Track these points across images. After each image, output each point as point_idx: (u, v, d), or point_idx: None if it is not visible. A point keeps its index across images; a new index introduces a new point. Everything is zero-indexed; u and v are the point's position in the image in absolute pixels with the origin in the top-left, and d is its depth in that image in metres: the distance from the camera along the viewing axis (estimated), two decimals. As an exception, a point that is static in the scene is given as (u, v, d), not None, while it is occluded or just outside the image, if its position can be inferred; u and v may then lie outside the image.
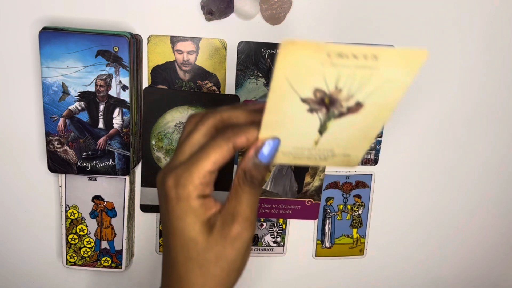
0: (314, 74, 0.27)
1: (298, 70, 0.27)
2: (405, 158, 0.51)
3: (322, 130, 0.31)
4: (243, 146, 0.32)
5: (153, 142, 0.47)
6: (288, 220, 0.51)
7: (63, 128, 0.44)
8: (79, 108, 0.44)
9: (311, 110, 0.30)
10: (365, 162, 0.50)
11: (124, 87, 0.43)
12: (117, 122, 0.44)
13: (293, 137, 0.32)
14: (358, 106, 0.29)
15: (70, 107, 0.44)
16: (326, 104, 0.29)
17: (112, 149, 0.45)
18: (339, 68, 0.27)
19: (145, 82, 0.46)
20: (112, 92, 0.43)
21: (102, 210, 0.48)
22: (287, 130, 0.31)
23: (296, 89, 0.28)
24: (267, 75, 0.46)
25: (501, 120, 0.51)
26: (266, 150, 0.32)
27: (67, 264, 0.49)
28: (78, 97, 0.43)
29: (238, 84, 0.46)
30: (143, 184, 0.48)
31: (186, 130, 0.34)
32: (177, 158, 0.33)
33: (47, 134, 0.44)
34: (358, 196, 0.52)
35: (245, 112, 0.32)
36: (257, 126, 0.31)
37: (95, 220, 0.48)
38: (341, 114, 0.30)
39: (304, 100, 0.29)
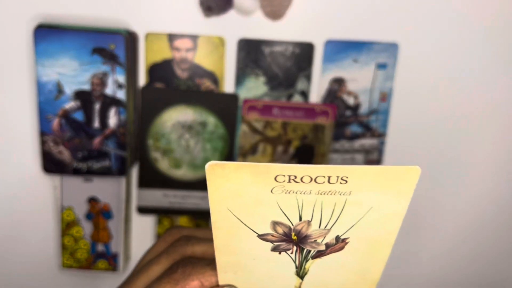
0: (265, 204, 0.20)
1: (242, 200, 0.20)
2: (409, 158, 0.50)
3: (300, 273, 0.24)
4: None
5: (150, 142, 0.46)
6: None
7: (58, 127, 0.43)
8: (75, 107, 0.43)
9: (277, 249, 0.22)
10: (368, 162, 0.49)
11: (120, 86, 0.42)
12: (113, 121, 0.43)
13: (263, 282, 0.24)
14: (341, 242, 0.22)
15: (65, 106, 0.43)
16: (295, 241, 0.22)
17: (108, 149, 0.44)
18: (297, 195, 0.20)
19: (142, 81, 0.45)
20: (108, 91, 0.42)
21: (98, 212, 0.47)
22: (253, 273, 0.24)
23: (248, 224, 0.21)
24: (267, 73, 0.45)
25: (507, 120, 0.50)
26: None
27: (62, 266, 0.48)
28: (74, 96, 0.42)
29: (238, 82, 0.45)
30: (140, 185, 0.47)
31: (154, 250, 0.28)
32: None
33: (42, 133, 0.43)
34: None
35: None
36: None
37: (91, 222, 0.47)
38: (320, 253, 0.23)
39: (263, 237, 0.22)
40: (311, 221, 0.21)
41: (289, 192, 0.20)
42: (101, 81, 0.42)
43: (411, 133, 0.49)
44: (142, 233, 0.50)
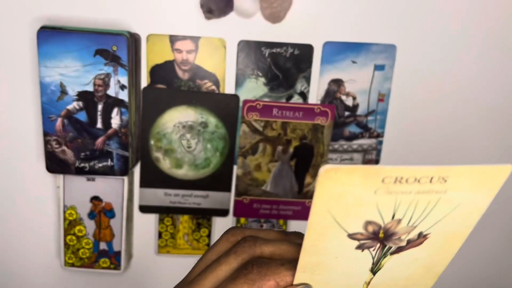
0: (365, 205, 0.22)
1: (344, 202, 0.21)
2: (406, 158, 0.51)
3: (375, 269, 0.25)
4: None
5: (152, 142, 0.46)
6: (288, 221, 0.51)
7: (61, 128, 0.44)
8: (77, 107, 0.43)
9: (361, 247, 0.24)
10: (366, 162, 0.50)
11: (122, 87, 0.43)
12: (115, 122, 0.44)
13: (338, 280, 0.25)
14: (422, 238, 0.24)
15: (68, 107, 0.43)
16: (381, 239, 0.23)
17: (110, 149, 0.45)
18: (398, 195, 0.21)
19: (144, 82, 0.45)
20: (111, 92, 0.43)
21: (101, 211, 0.47)
22: (331, 272, 0.25)
23: (342, 224, 0.22)
24: (267, 74, 0.46)
25: (504, 119, 0.51)
26: None
27: (65, 265, 0.49)
28: (76, 97, 0.43)
29: (238, 83, 0.46)
30: (142, 185, 0.48)
31: (216, 250, 0.28)
32: None
33: (45, 134, 0.44)
34: (359, 197, 0.51)
35: (293, 248, 0.25)
36: (291, 266, 0.24)
37: (93, 221, 0.48)
38: (399, 249, 0.24)
39: (352, 236, 0.23)
40: (402, 219, 0.22)
41: (391, 193, 0.21)
42: (104, 82, 0.43)
43: (409, 133, 0.50)
44: (144, 232, 0.50)
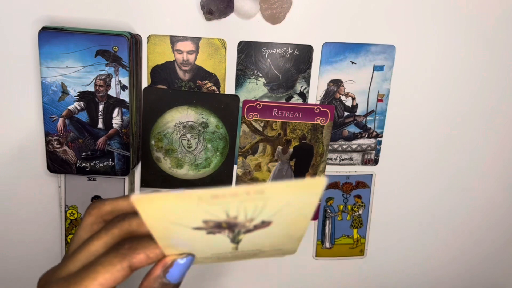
0: (195, 212, 0.23)
1: (173, 213, 0.23)
2: (405, 158, 0.51)
3: (235, 241, 0.27)
4: (143, 265, 0.27)
5: (153, 142, 0.47)
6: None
7: (62, 128, 0.44)
8: (79, 108, 0.44)
9: (212, 233, 0.25)
10: (365, 162, 0.50)
11: (123, 87, 0.43)
12: (116, 122, 0.44)
13: (206, 250, 0.27)
14: (266, 223, 0.25)
15: (69, 107, 0.44)
16: (226, 227, 0.25)
17: (111, 149, 0.45)
18: (222, 204, 0.23)
19: (145, 82, 0.46)
20: (112, 92, 0.43)
21: (102, 210, 0.48)
22: (195, 247, 0.27)
23: (182, 223, 0.24)
24: (267, 75, 0.46)
25: (502, 120, 0.51)
26: (176, 269, 0.27)
27: (66, 264, 0.49)
28: (78, 97, 0.43)
29: (238, 83, 0.46)
30: (142, 185, 0.48)
31: (83, 226, 0.29)
32: (65, 266, 0.28)
33: (47, 134, 0.44)
34: (359, 196, 0.52)
35: None
36: None
37: (94, 220, 0.48)
38: (250, 230, 0.26)
39: (197, 228, 0.25)
40: (237, 216, 0.24)
41: (214, 204, 0.23)
42: (105, 82, 0.43)
43: (408, 133, 0.50)
44: (145, 231, 0.50)
